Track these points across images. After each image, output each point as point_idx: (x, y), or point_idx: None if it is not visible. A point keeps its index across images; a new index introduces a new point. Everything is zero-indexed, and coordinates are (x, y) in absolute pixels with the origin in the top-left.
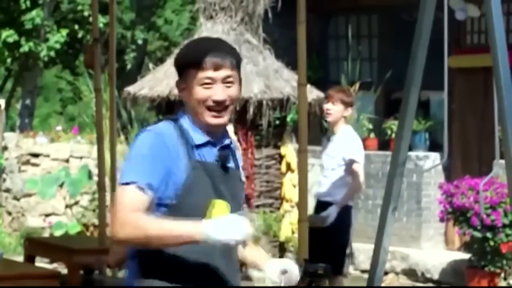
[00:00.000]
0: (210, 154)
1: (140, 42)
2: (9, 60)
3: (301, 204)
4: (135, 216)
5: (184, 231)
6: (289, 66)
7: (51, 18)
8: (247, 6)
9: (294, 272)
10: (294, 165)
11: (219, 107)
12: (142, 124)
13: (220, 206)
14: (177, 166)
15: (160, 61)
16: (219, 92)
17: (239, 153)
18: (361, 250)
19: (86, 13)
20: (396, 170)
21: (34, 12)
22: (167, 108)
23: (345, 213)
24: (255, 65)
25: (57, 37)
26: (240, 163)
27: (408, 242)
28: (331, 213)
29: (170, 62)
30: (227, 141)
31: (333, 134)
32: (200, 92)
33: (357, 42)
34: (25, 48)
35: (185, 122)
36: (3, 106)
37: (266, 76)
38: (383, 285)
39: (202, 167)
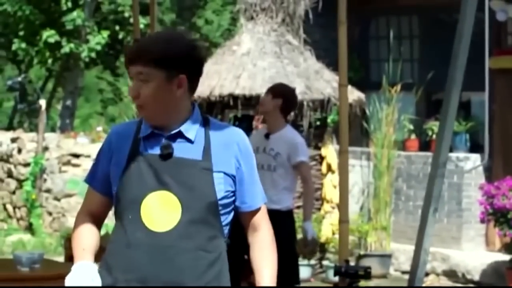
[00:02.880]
0: (158, 145)
1: None
2: (50, 61)
3: (342, 205)
4: (77, 218)
5: (74, 255)
6: (330, 67)
7: (92, 19)
8: (288, 7)
9: None
10: (334, 166)
11: (134, 100)
12: None
13: (158, 198)
14: (117, 163)
15: None
16: (130, 87)
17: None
18: (401, 251)
19: (126, 14)
20: (437, 171)
21: (75, 13)
22: (208, 109)
23: (291, 218)
24: (296, 66)
25: (98, 38)
26: (225, 157)
27: (449, 243)
28: (311, 231)
29: (210, 63)
30: (174, 130)
31: (271, 131)
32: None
33: (398, 43)
34: (66, 49)
35: None
36: (44, 107)
37: (307, 77)
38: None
39: (143, 159)
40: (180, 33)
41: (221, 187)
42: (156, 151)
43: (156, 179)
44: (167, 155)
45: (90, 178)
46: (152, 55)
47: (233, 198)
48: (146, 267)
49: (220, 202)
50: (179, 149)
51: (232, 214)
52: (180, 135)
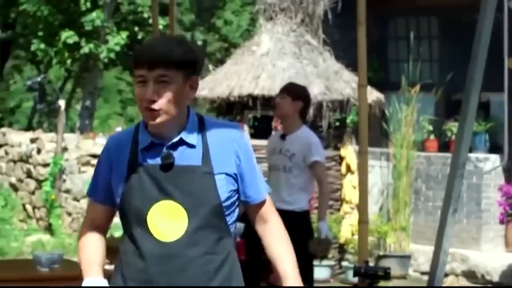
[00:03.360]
0: (158, 155)
1: (199, 43)
2: (69, 61)
3: (362, 206)
4: (82, 232)
5: (82, 269)
6: (349, 67)
7: (111, 20)
8: (307, 7)
9: None
10: (354, 166)
11: (150, 105)
12: None
13: (163, 208)
14: (117, 174)
15: (220, 62)
16: (149, 91)
17: (241, 144)
18: (421, 252)
19: (146, 15)
20: (456, 172)
21: (94, 14)
22: (227, 110)
23: (306, 219)
24: (315, 66)
25: (117, 39)
26: (224, 157)
27: (468, 244)
28: (325, 230)
29: (230, 64)
30: (175, 138)
31: (287, 132)
32: (136, 90)
33: (417, 43)
34: (85, 49)
35: (141, 122)
36: (63, 107)
37: (326, 78)
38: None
39: (143, 170)
40: (181, 36)
41: (224, 189)
42: (157, 161)
43: (158, 190)
44: (168, 165)
45: (92, 192)
46: (174, 58)
47: (237, 196)
48: (159, 278)
49: (224, 204)
50: (180, 157)
51: (237, 210)
52: (181, 142)
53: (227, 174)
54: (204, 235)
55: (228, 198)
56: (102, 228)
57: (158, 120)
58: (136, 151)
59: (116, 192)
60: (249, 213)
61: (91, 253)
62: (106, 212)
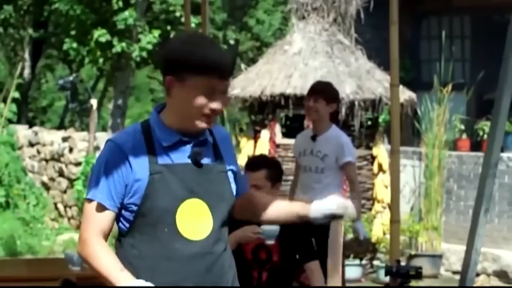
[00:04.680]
0: (183, 153)
1: (232, 42)
2: (101, 60)
3: (393, 205)
4: (91, 239)
5: (109, 277)
6: (381, 66)
7: (143, 19)
8: (339, 7)
9: (349, 208)
10: (386, 166)
11: (213, 114)
12: (234, 124)
13: (190, 206)
14: (135, 176)
15: (252, 61)
16: (219, 102)
17: (229, 144)
18: (452, 252)
19: (178, 14)
20: (489, 171)
21: (126, 13)
22: (259, 109)
23: None
24: (347, 65)
25: (149, 38)
26: (228, 155)
27: (500, 244)
28: (363, 231)
29: (262, 63)
30: (202, 137)
31: (318, 132)
32: (199, 100)
33: (449, 43)
34: (117, 48)
35: (155, 121)
36: (95, 106)
37: (358, 77)
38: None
39: (168, 170)
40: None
41: (233, 185)
42: (182, 159)
43: (185, 188)
44: (198, 163)
45: (102, 197)
46: (231, 67)
47: None
48: (190, 278)
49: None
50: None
51: None
52: (204, 141)
53: (233, 171)
54: (224, 231)
55: (234, 194)
56: (107, 234)
57: (211, 124)
58: (154, 150)
59: (134, 194)
60: (235, 204)
61: (116, 261)
62: (113, 218)
